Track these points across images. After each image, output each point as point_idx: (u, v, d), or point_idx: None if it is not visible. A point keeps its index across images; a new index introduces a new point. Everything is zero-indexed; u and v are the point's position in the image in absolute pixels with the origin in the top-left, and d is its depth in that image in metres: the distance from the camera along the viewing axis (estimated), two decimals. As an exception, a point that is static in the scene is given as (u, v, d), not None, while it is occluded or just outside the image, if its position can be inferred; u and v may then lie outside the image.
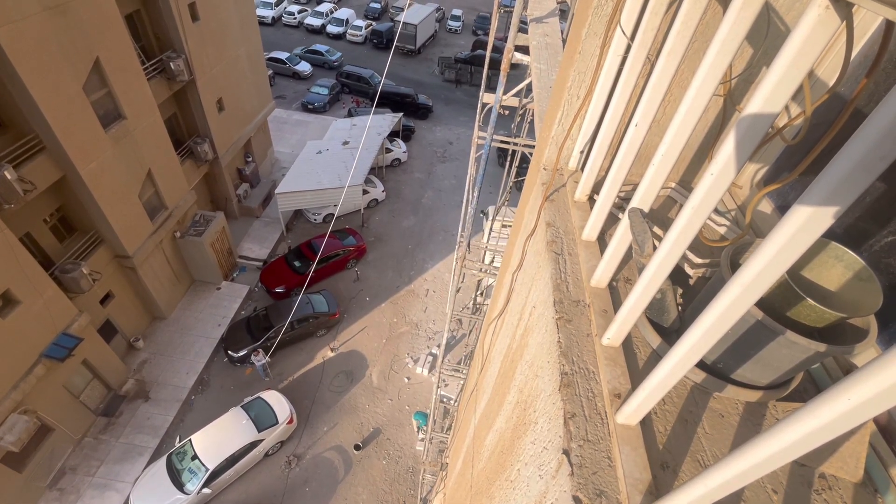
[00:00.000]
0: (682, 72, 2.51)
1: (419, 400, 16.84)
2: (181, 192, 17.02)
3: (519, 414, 2.57)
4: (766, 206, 2.61)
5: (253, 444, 13.98)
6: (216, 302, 18.37)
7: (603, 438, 1.71)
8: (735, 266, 1.76)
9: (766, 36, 2.44)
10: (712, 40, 1.37)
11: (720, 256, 1.89)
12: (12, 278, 11.06)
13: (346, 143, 22.94)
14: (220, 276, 18.72)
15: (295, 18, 40.31)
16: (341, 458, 15.09)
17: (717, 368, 1.89)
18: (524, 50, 6.29)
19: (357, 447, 15.24)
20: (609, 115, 2.32)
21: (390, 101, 30.27)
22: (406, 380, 17.35)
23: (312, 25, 39.44)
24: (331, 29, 39.21)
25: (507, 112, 10.77)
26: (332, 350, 17.74)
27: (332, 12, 40.78)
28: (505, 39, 6.10)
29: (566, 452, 1.68)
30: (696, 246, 2.29)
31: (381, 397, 16.77)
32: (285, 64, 32.88)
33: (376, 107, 27.47)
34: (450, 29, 43.00)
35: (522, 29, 6.45)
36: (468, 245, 8.51)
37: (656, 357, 2.01)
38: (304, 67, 33.29)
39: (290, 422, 14.81)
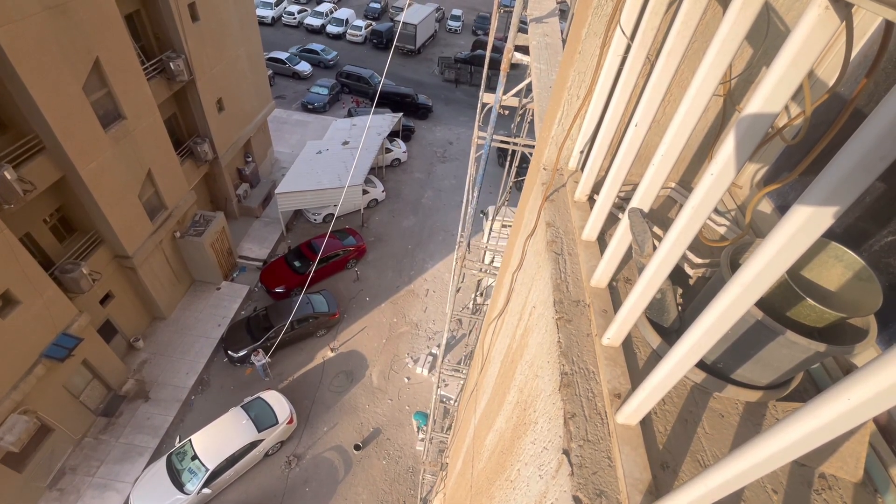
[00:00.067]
0: (682, 72, 2.51)
1: (419, 400, 16.84)
2: (181, 193, 17.02)
3: (519, 414, 2.57)
4: (766, 206, 2.61)
5: (253, 444, 13.98)
6: (216, 302, 18.37)
7: (603, 438, 1.71)
8: (735, 266, 1.76)
9: (766, 36, 2.44)
10: (712, 40, 1.37)
11: (720, 256, 1.89)
12: (12, 278, 11.06)
13: (345, 143, 22.94)
14: (219, 276, 18.72)
15: (295, 18, 40.31)
16: (341, 458, 15.09)
17: (717, 368, 1.89)
18: (524, 50, 6.29)
19: (357, 447, 15.25)
20: (609, 115, 2.32)
21: (390, 101, 30.27)
22: (406, 380, 17.35)
23: (312, 25, 39.44)
24: (330, 29, 39.21)
25: (507, 112, 10.77)
26: (332, 350, 17.74)
27: (331, 12, 40.78)
28: (505, 39, 6.10)
29: (566, 452, 1.68)
30: (696, 246, 2.29)
31: (381, 397, 16.77)
32: (285, 64, 32.88)
33: (376, 107, 27.49)
34: (450, 29, 43.00)
35: (522, 29, 6.45)
36: (468, 245, 8.51)
37: (656, 357, 2.01)
38: (304, 67, 33.29)
39: (290, 422, 14.81)
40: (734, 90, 2.66)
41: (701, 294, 2.05)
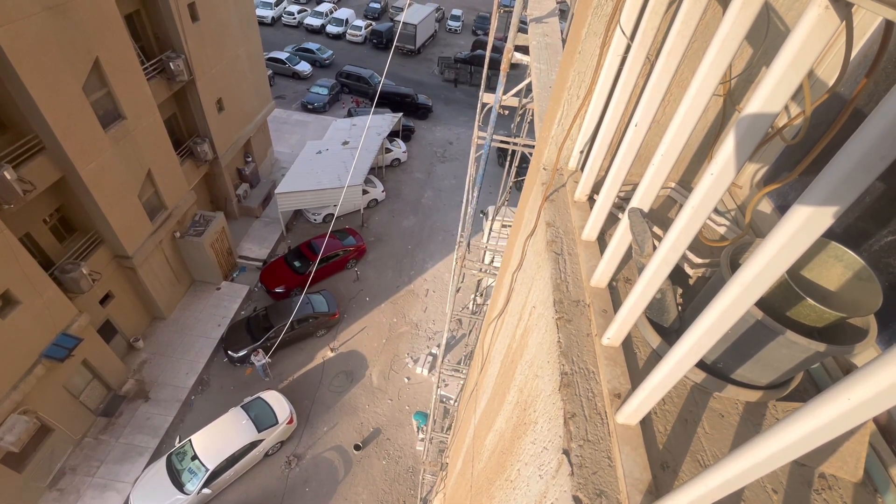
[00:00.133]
0: (681, 72, 2.51)
1: (419, 400, 16.84)
2: (181, 193, 17.01)
3: (519, 414, 2.57)
4: (766, 206, 2.61)
5: (253, 445, 13.98)
6: (216, 302, 18.37)
7: (603, 438, 1.71)
8: (735, 266, 1.76)
9: (766, 36, 2.44)
10: (712, 40, 1.37)
11: (720, 256, 1.89)
12: (12, 278, 11.06)
13: (345, 143, 22.94)
14: (219, 276, 18.72)
15: (294, 18, 40.31)
16: (341, 458, 15.09)
17: (717, 368, 1.89)
18: (524, 50, 6.29)
19: (357, 447, 15.24)
20: (609, 115, 2.32)
21: (390, 101, 30.27)
22: (406, 380, 17.35)
23: (312, 25, 39.44)
24: (330, 29, 39.21)
25: (506, 112, 10.77)
26: (332, 350, 17.74)
27: (331, 12, 40.78)
28: (505, 39, 6.10)
29: (566, 452, 1.68)
30: (696, 246, 2.29)
31: (381, 397, 16.77)
32: (285, 64, 32.88)
33: (376, 107, 27.48)
34: (449, 29, 43.01)
35: (522, 29, 6.45)
36: (468, 245, 8.51)
37: (656, 357, 2.01)
38: (304, 67, 33.30)
39: (290, 422, 14.81)
40: (734, 90, 2.66)
41: (701, 294, 2.05)
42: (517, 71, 8.57)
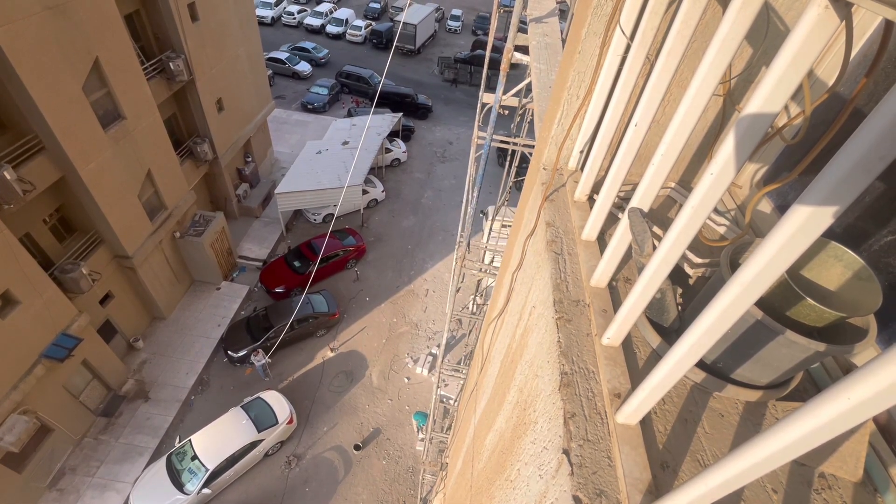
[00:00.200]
0: (681, 72, 2.51)
1: (419, 400, 16.84)
2: (181, 193, 17.01)
3: (519, 414, 2.57)
4: (766, 206, 2.61)
5: (253, 445, 13.98)
6: (216, 302, 18.37)
7: (603, 438, 1.71)
8: (735, 266, 1.76)
9: (766, 36, 2.44)
10: (712, 40, 1.37)
11: (720, 256, 1.89)
12: (12, 278, 11.05)
13: (345, 143, 22.95)
14: (219, 276, 18.72)
15: (294, 18, 40.31)
16: (341, 458, 15.09)
17: (716, 368, 1.89)
18: (524, 50, 6.29)
19: (357, 447, 15.25)
20: (609, 114, 2.32)
21: (390, 101, 30.27)
22: (406, 380, 17.35)
23: (312, 25, 39.44)
24: (330, 29, 39.21)
25: (506, 112, 10.77)
26: (331, 350, 17.74)
27: (331, 12, 40.78)
28: (504, 39, 6.10)
29: (566, 452, 1.68)
30: (696, 246, 2.29)
31: (381, 397, 16.77)
32: (285, 64, 32.88)
33: (376, 107, 27.48)
34: (449, 29, 43.01)
35: (522, 29, 6.45)
36: (468, 245, 8.51)
37: (656, 357, 2.01)
38: (304, 67, 33.30)
39: (290, 422, 14.80)
40: (734, 90, 2.66)
41: (701, 294, 2.05)
42: (517, 71, 8.57)
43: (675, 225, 1.48)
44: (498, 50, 25.42)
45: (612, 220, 2.59)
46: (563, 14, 7.27)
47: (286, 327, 16.31)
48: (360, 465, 15.01)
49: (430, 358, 17.78)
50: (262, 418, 14.44)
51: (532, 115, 8.80)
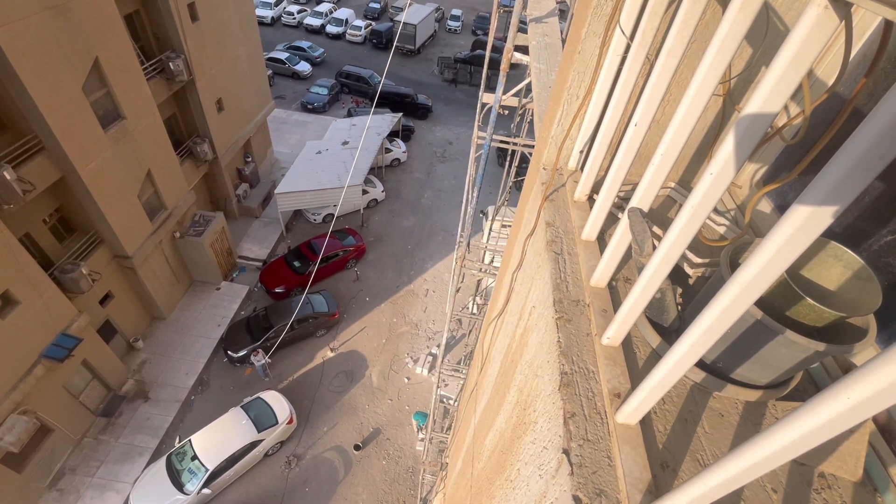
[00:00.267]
0: (681, 72, 2.52)
1: (419, 400, 16.84)
2: (181, 193, 17.01)
3: (519, 413, 2.57)
4: (766, 206, 2.61)
5: (253, 445, 13.97)
6: (216, 302, 18.36)
7: (603, 438, 1.71)
8: (734, 265, 1.76)
9: (766, 36, 2.44)
10: (712, 40, 1.37)
11: (720, 256, 1.90)
12: (12, 279, 11.05)
13: (345, 143, 22.95)
14: (219, 276, 18.72)
15: (294, 18, 40.30)
16: (341, 458, 15.09)
17: (716, 368, 1.89)
18: (524, 50, 6.29)
19: (357, 447, 15.24)
20: (608, 114, 2.32)
21: (390, 101, 30.27)
22: (406, 380, 17.35)
23: (312, 25, 39.44)
24: (330, 29, 39.21)
25: (506, 112, 10.76)
26: (331, 350, 17.74)
27: (331, 12, 40.78)
28: (504, 39, 6.10)
29: (566, 452, 1.68)
30: (696, 245, 2.29)
31: (380, 397, 16.77)
32: (285, 64, 32.88)
33: (376, 107, 27.48)
34: (449, 29, 43.00)
35: (522, 29, 6.45)
36: (468, 245, 8.51)
37: (656, 356, 2.01)
38: (304, 67, 33.30)
39: (290, 422, 14.80)
40: (734, 90, 2.66)
41: (700, 294, 2.05)
42: (517, 71, 8.58)
43: (675, 225, 1.48)
44: (498, 50, 25.43)
45: (611, 220, 2.59)
46: (562, 14, 7.28)
47: (286, 327, 16.31)
48: (360, 465, 15.01)
49: (430, 358, 17.78)
50: (262, 418, 14.44)
51: (532, 115, 8.80)
